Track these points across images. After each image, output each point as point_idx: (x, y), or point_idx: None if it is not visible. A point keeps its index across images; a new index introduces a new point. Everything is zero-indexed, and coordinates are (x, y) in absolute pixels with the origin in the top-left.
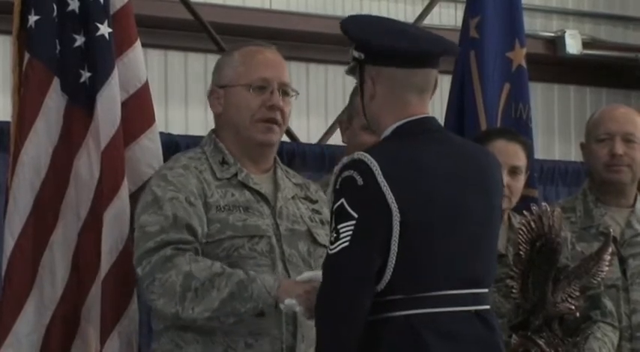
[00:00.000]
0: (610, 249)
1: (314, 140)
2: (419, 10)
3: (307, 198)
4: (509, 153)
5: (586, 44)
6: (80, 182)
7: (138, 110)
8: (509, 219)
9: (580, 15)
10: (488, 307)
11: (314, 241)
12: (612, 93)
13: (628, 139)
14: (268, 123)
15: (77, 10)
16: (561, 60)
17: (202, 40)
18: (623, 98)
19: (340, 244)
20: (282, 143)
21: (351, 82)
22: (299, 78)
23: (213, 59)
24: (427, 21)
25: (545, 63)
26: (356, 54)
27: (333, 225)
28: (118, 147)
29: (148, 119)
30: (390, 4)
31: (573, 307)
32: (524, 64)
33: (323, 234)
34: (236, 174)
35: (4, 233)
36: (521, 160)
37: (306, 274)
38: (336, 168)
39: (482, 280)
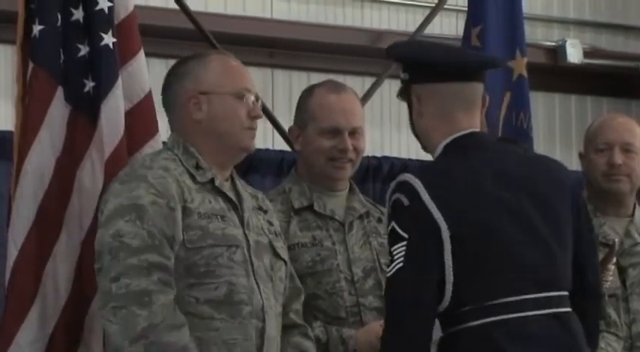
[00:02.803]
0: (614, 259)
1: None
2: (420, 19)
3: (260, 209)
4: None
5: (587, 53)
6: (83, 191)
7: (141, 119)
8: None
9: (581, 24)
10: (568, 309)
11: (275, 254)
12: (613, 102)
13: (627, 149)
14: (254, 131)
15: (81, 20)
16: (562, 69)
17: (203, 49)
18: (624, 107)
19: (395, 266)
20: (285, 152)
21: None
22: (300, 87)
23: None
24: (428, 30)
25: (546, 72)
26: (403, 76)
27: (388, 248)
28: (121, 156)
29: (152, 128)
30: (391, 13)
31: None
32: (525, 73)
33: (281, 248)
34: (212, 180)
35: (7, 242)
36: None
37: None
38: (388, 193)
39: (558, 282)
